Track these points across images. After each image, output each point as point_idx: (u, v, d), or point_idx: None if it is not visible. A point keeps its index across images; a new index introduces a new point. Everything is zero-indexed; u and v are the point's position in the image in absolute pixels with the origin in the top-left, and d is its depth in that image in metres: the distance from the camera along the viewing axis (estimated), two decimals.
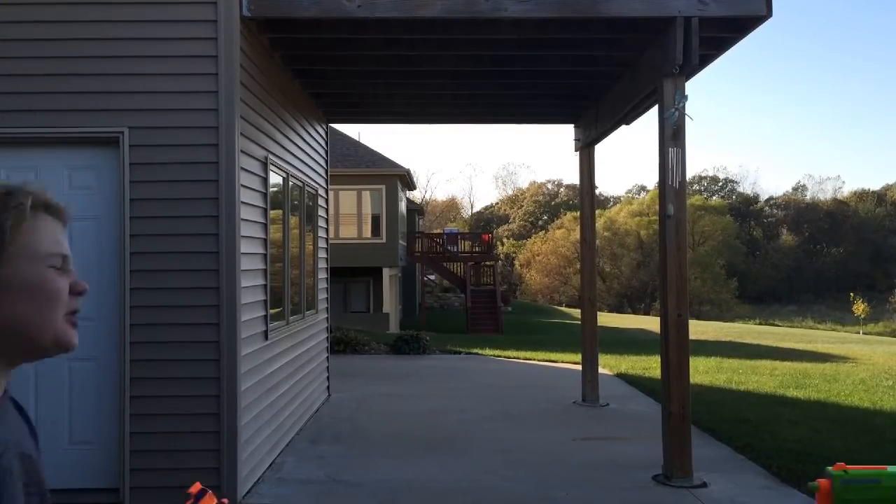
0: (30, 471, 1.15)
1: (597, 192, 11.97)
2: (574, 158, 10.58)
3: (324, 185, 10.12)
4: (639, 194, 75.60)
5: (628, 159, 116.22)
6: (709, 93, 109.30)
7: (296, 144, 8.15)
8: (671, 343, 6.30)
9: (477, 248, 34.82)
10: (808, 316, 52.53)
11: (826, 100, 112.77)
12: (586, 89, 8.91)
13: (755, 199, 75.92)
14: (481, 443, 7.85)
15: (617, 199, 77.67)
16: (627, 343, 20.48)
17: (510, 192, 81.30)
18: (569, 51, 7.35)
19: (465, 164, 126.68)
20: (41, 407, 5.65)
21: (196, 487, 1.33)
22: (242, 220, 5.80)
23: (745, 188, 78.45)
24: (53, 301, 1.15)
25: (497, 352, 16.72)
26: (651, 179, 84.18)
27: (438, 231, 42.99)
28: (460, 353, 16.55)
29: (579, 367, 10.36)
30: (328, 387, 10.34)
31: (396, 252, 27.54)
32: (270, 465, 6.74)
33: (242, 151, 5.86)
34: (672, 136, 6.25)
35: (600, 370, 10.64)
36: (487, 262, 33.62)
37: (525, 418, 9.13)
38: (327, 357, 10.33)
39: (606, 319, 33.35)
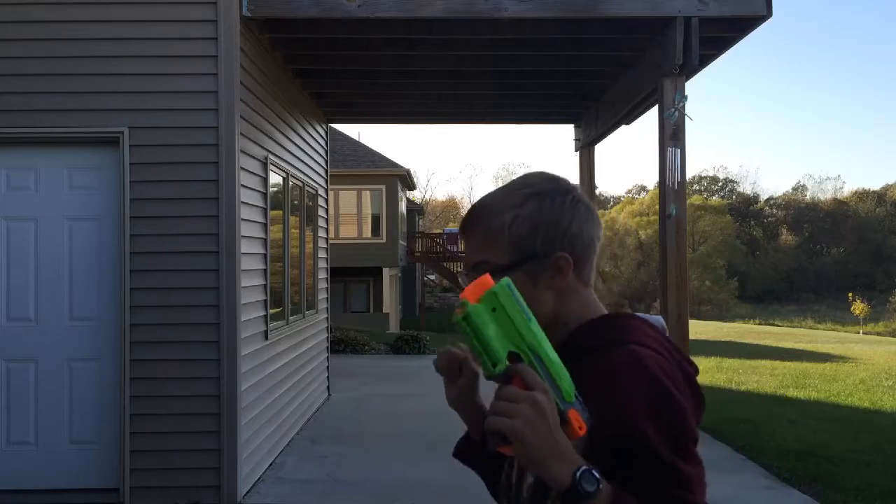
0: None
1: (597, 192, 11.95)
2: (574, 158, 10.55)
3: (324, 185, 10.12)
4: (639, 194, 75.59)
5: (628, 159, 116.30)
6: (709, 93, 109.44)
7: (296, 144, 8.16)
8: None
9: None
10: (808, 316, 52.53)
11: (826, 100, 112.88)
12: (586, 89, 8.91)
13: (755, 199, 75.93)
14: None
15: (617, 199, 77.64)
16: None
17: None
18: (568, 51, 7.34)
19: (465, 164, 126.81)
20: (41, 407, 5.65)
21: None
22: (242, 219, 5.80)
23: (745, 188, 78.49)
24: None
25: None
26: (651, 179, 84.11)
27: (438, 231, 42.97)
28: None
29: None
30: (328, 387, 10.34)
31: (396, 252, 27.53)
32: (271, 464, 6.74)
33: (242, 151, 5.86)
34: (672, 136, 6.24)
35: None
36: None
37: None
38: (327, 357, 10.33)
39: None
